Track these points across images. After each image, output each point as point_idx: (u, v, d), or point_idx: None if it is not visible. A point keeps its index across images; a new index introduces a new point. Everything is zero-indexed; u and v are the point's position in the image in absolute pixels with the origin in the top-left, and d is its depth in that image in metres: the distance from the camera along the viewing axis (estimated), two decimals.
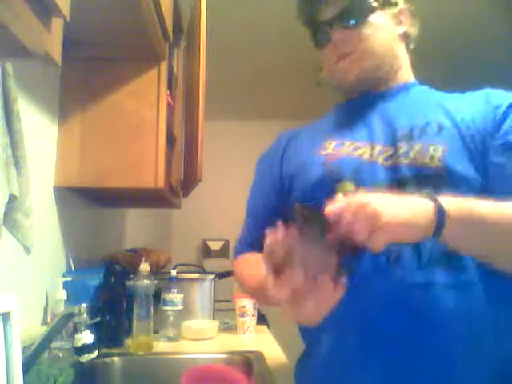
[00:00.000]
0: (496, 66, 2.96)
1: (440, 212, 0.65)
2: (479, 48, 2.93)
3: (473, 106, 0.85)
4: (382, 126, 0.87)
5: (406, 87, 0.93)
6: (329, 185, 0.83)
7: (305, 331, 0.94)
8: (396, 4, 0.92)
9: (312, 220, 0.62)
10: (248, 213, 1.05)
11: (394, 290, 0.77)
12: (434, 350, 0.75)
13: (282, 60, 3.16)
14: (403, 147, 0.82)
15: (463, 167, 0.79)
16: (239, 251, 1.04)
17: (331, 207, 0.61)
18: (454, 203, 0.66)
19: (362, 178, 0.82)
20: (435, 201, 0.66)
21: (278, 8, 2.52)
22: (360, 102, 0.94)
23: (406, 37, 0.94)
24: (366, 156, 0.84)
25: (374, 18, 0.89)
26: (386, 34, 0.91)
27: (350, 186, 0.82)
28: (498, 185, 0.78)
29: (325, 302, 0.63)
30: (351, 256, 0.65)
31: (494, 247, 0.72)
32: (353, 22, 0.88)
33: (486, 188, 0.78)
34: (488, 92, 0.87)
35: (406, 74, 0.94)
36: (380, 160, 0.83)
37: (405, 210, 0.64)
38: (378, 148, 0.85)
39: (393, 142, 0.84)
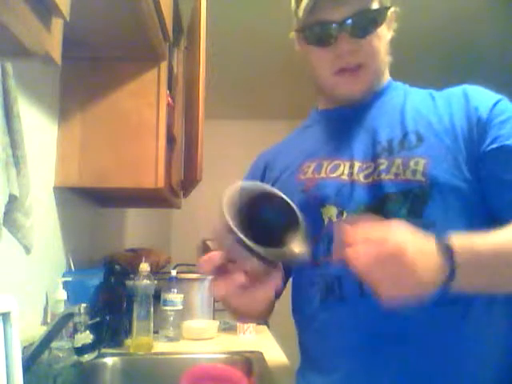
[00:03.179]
0: (492, 66, 2.97)
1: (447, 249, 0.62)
2: (475, 48, 2.93)
3: (451, 107, 0.81)
4: (361, 140, 0.84)
5: (384, 90, 0.90)
6: (313, 211, 0.82)
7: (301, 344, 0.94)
8: (390, 8, 0.86)
9: None
10: None
11: (381, 312, 0.72)
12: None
13: (283, 59, 3.15)
14: (384, 163, 0.79)
15: (449, 177, 0.75)
16: None
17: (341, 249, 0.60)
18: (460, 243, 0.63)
19: (344, 200, 0.80)
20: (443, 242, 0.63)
21: (279, 8, 2.52)
22: (340, 112, 0.90)
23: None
24: (346, 175, 0.82)
25: (381, 27, 0.84)
26: (386, 43, 0.87)
27: (333, 209, 0.81)
28: (488, 189, 0.76)
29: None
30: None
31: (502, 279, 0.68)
32: (364, 31, 0.81)
33: (477, 194, 0.76)
34: (466, 90, 0.82)
35: (385, 75, 0.91)
36: (361, 178, 0.80)
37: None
38: (357, 165, 0.82)
39: (373, 157, 0.81)
